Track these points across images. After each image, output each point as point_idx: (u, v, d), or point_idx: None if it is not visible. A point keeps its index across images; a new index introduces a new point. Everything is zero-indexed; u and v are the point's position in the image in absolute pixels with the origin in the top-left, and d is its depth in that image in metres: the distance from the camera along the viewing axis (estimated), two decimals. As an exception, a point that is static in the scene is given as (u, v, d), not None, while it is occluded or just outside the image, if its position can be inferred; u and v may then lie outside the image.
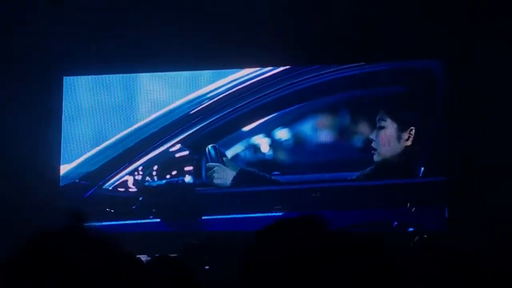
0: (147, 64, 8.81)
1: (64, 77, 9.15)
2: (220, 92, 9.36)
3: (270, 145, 9.24)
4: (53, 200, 9.20)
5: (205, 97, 9.41)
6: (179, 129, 9.46)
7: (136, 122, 9.60)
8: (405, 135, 8.77)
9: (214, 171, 9.25)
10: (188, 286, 2.33)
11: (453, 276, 2.43)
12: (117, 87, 9.61)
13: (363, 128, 9.01)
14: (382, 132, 8.89)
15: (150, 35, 8.41)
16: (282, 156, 9.19)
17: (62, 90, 8.89)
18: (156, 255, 2.85)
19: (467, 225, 7.13)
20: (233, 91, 9.32)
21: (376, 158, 8.92)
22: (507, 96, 7.44)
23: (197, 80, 9.45)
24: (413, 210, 8.30)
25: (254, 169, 9.21)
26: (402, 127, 8.81)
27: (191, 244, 5.32)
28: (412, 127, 8.78)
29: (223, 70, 9.33)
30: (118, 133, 9.66)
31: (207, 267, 4.88)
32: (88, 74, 9.03)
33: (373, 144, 8.91)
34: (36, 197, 8.65)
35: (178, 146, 9.47)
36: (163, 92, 9.49)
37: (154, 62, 8.77)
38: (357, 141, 9.04)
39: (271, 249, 1.41)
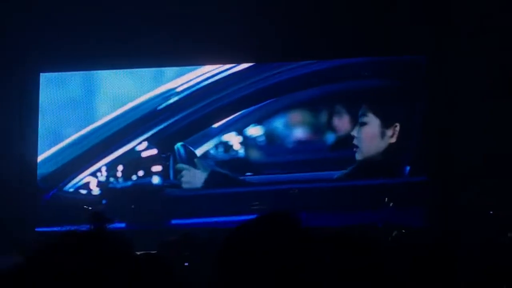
0: (117, 60, 8.72)
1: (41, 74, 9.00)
2: (189, 87, 8.85)
3: (243, 143, 8.74)
4: (30, 196, 8.91)
5: (173, 92, 8.88)
6: (146, 126, 8.90)
7: (99, 119, 9.03)
8: (389, 132, 8.24)
9: (183, 175, 8.71)
10: (175, 284, 2.38)
11: (431, 269, 2.43)
12: (78, 84, 9.06)
13: (344, 124, 8.49)
14: (365, 129, 8.36)
15: (119, 32, 8.48)
16: (255, 154, 8.70)
17: (39, 86, 8.78)
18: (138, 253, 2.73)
19: (448, 222, 7.19)
20: (203, 87, 8.80)
21: (358, 156, 8.40)
22: (488, 95, 7.41)
23: (162, 76, 8.94)
24: (396, 210, 7.98)
25: (226, 171, 8.69)
26: (386, 123, 8.28)
27: (168, 241, 5.30)
28: (396, 123, 8.25)
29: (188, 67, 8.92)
30: (80, 130, 9.06)
31: (186, 263, 4.81)
32: (64, 71, 8.88)
33: (355, 142, 8.39)
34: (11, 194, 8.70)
35: (144, 144, 8.90)
36: (128, 88, 8.95)
37: (123, 58, 8.78)
38: (338, 139, 8.54)
39: (245, 244, 1.44)
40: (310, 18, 8.13)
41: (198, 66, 8.81)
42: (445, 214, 7.39)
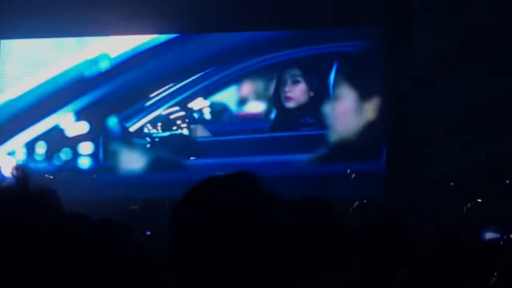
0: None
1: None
2: (123, 54, 7.64)
3: (186, 119, 7.51)
4: None
5: (103, 60, 7.65)
6: (72, 97, 7.63)
7: (10, 89, 7.78)
8: (368, 107, 7.16)
9: (117, 157, 7.57)
10: (130, 248, 2.35)
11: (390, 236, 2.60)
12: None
13: (312, 98, 7.32)
14: (338, 103, 7.21)
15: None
16: (202, 133, 7.51)
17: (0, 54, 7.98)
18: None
19: (403, 190, 7.12)
20: (139, 53, 7.59)
21: (331, 136, 7.24)
22: (444, 66, 7.38)
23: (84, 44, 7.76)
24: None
25: (167, 152, 7.48)
26: (363, 96, 7.20)
27: (130, 210, 5.47)
28: (376, 96, 7.21)
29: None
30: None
31: (148, 232, 4.85)
32: (24, 38, 7.98)
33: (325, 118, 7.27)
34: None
35: (70, 117, 7.64)
36: (47, 56, 7.77)
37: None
38: (304, 116, 7.36)
39: (199, 203, 1.42)
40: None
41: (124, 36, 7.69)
42: (406, 184, 7.19)
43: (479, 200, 6.04)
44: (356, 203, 5.95)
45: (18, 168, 1.38)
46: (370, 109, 7.21)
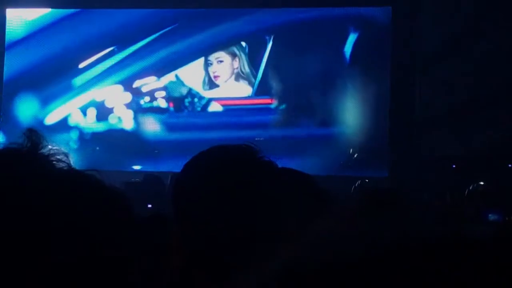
0: None
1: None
2: (46, 15, 6.18)
3: (131, 104, 5.86)
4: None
5: (20, 25, 6.17)
6: None
7: None
8: (374, 89, 7.61)
9: None
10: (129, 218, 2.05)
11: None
12: None
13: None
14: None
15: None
16: (152, 127, 5.84)
17: (5, 22, 7.68)
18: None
19: (406, 171, 7.55)
20: (70, 16, 5.98)
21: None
22: (451, 45, 7.77)
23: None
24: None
25: (104, 156, 5.73)
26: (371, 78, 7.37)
27: (131, 182, 5.28)
28: (383, 76, 7.60)
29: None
30: None
31: (150, 205, 4.75)
32: (31, 7, 6.94)
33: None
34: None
35: None
36: None
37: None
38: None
39: (197, 176, 1.50)
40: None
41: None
42: (408, 165, 7.59)
43: (482, 183, 6.18)
44: (358, 182, 6.21)
45: (31, 130, 1.18)
46: (376, 93, 7.04)
